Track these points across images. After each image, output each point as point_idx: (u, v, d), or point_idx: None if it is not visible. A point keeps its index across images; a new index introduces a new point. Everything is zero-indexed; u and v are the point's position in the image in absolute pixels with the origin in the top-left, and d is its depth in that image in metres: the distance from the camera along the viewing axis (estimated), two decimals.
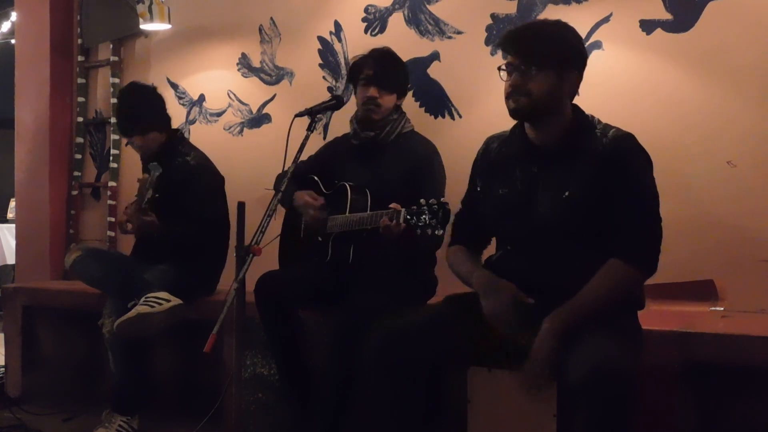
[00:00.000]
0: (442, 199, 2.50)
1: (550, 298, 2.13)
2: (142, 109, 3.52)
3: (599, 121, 2.28)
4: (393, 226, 2.60)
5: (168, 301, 3.14)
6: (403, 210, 2.56)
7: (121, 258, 3.60)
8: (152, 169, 3.33)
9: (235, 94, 4.16)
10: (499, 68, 2.26)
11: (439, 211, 2.47)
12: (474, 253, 2.46)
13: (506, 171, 2.32)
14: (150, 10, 4.05)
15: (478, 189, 2.42)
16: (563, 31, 2.26)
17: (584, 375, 1.91)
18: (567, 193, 2.18)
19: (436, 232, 2.49)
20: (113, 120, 4.49)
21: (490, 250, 2.48)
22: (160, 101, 3.62)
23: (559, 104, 2.23)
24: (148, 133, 3.51)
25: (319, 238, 3.03)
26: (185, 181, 3.43)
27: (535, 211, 2.23)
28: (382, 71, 3.03)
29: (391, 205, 2.62)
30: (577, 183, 2.18)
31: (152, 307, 3.10)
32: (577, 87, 2.26)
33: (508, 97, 2.23)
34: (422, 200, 2.51)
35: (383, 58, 3.08)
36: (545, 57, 2.18)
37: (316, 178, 3.18)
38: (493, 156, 2.39)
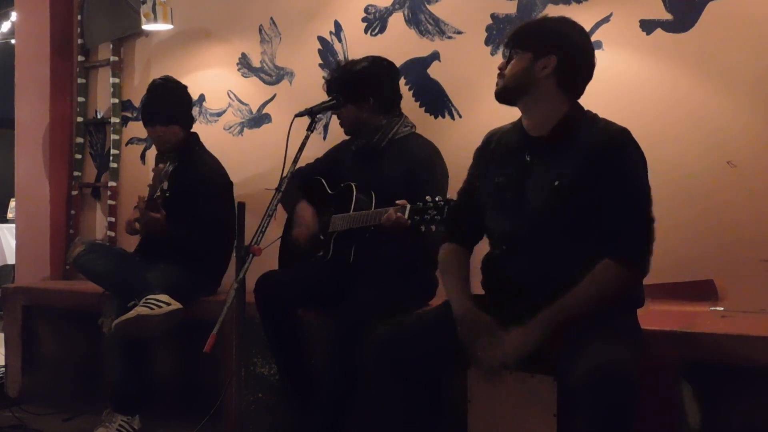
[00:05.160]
0: (447, 196, 2.51)
1: (540, 291, 2.13)
2: (171, 101, 3.63)
3: (598, 117, 2.28)
4: (397, 218, 2.61)
5: (168, 304, 3.14)
6: (408, 205, 2.56)
7: (125, 255, 3.58)
8: (169, 160, 3.36)
9: (235, 94, 4.16)
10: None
11: (444, 207, 2.48)
12: (466, 255, 2.44)
13: (503, 160, 2.35)
14: (154, 11, 4.05)
15: (477, 180, 2.42)
16: (552, 21, 2.38)
17: (586, 376, 1.91)
18: (557, 183, 2.18)
19: (441, 229, 2.49)
20: (113, 120, 4.49)
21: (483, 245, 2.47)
22: (188, 100, 3.73)
23: (534, 88, 2.25)
24: (170, 125, 3.58)
25: (321, 237, 3.04)
26: (195, 185, 3.46)
27: (526, 200, 2.23)
28: (329, 90, 3.13)
29: (398, 201, 2.63)
30: (568, 173, 2.17)
31: (152, 309, 3.10)
32: (565, 75, 2.25)
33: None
34: (428, 197, 2.52)
35: (333, 76, 3.18)
36: (521, 41, 2.29)
37: (321, 179, 3.19)
38: (493, 147, 2.41)
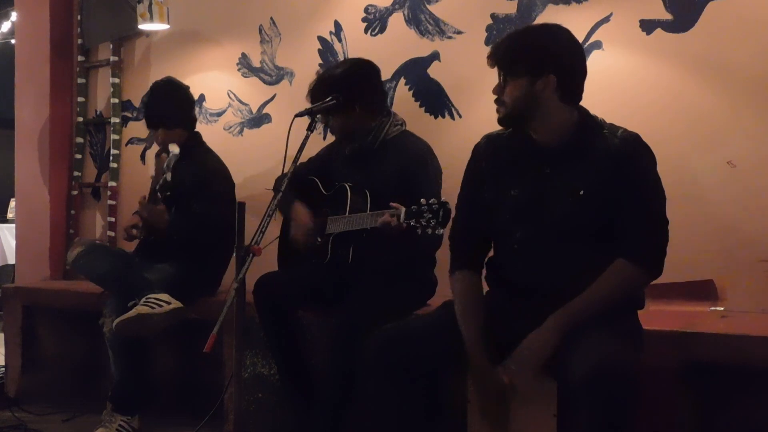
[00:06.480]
0: (442, 198, 2.50)
1: (555, 298, 2.13)
2: (174, 103, 3.63)
3: (605, 122, 2.28)
4: (393, 223, 2.60)
5: (168, 303, 3.14)
6: (403, 209, 2.56)
7: (124, 255, 3.59)
8: (171, 150, 3.37)
9: (235, 94, 4.16)
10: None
11: (439, 210, 2.47)
12: (480, 284, 2.36)
13: (518, 172, 2.30)
14: (150, 10, 4.05)
15: (485, 191, 2.36)
16: (540, 36, 2.29)
17: (585, 374, 1.91)
18: (582, 192, 2.18)
19: (437, 232, 2.49)
20: (114, 120, 4.49)
21: None
22: (190, 101, 3.73)
23: (539, 109, 2.22)
24: (173, 128, 3.59)
25: (318, 239, 3.03)
26: (198, 183, 3.46)
27: (548, 212, 2.22)
28: (313, 99, 3.04)
29: (393, 204, 2.63)
30: (591, 182, 2.18)
31: (152, 308, 3.10)
32: (566, 89, 2.23)
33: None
34: (423, 200, 2.52)
35: (315, 84, 3.09)
36: (514, 66, 2.24)
37: (316, 179, 3.19)
38: (504, 157, 2.35)
